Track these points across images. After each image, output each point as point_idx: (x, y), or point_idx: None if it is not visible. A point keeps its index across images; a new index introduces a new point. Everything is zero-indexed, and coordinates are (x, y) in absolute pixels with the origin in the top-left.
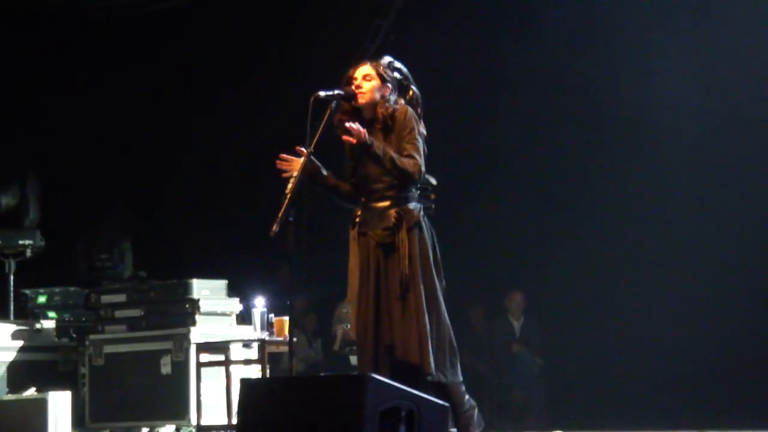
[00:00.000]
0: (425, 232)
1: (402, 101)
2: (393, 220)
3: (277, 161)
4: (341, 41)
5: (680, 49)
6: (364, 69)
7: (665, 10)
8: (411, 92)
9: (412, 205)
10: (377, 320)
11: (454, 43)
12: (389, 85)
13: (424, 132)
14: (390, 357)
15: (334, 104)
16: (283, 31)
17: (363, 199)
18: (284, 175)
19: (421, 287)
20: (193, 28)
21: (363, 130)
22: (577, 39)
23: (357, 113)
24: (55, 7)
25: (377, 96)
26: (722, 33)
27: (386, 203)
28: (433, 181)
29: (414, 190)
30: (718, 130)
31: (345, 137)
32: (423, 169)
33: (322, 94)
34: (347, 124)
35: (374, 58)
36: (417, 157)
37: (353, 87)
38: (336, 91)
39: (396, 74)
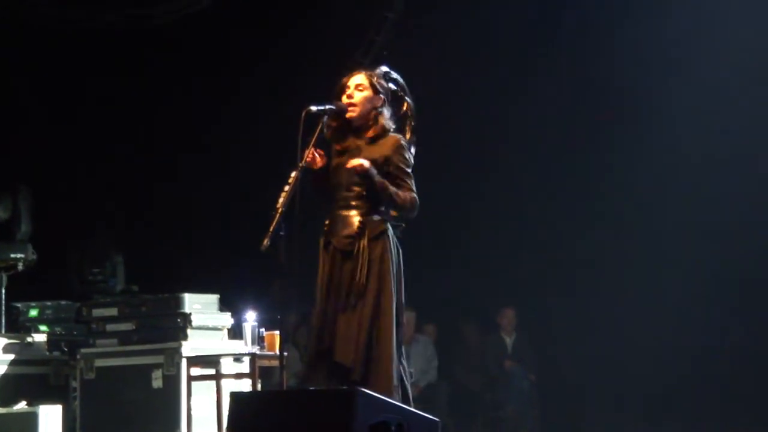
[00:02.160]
0: (390, 244)
1: (388, 116)
2: (355, 228)
3: (307, 156)
4: (335, 56)
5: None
6: (358, 78)
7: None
8: (406, 104)
9: (378, 217)
10: (325, 329)
11: (449, 58)
12: (382, 96)
13: (411, 155)
14: (336, 367)
15: (325, 119)
16: (276, 46)
17: (332, 208)
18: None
19: (373, 297)
20: (186, 42)
21: (367, 164)
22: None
23: (346, 122)
24: (44, 20)
25: (368, 106)
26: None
27: (352, 212)
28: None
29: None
30: (716, 147)
31: (350, 163)
32: (418, 202)
33: (313, 108)
34: (350, 165)
35: (370, 67)
36: (413, 190)
37: (345, 97)
38: (327, 106)
39: (391, 85)
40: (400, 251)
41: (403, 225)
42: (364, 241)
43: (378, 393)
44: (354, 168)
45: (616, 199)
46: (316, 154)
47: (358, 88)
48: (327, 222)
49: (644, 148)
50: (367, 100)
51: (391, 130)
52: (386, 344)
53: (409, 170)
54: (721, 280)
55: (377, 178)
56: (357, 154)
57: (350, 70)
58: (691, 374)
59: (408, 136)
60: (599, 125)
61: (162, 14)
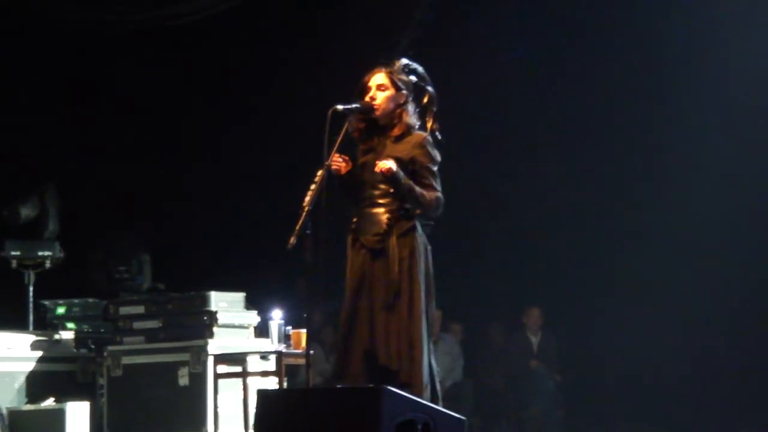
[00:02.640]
0: (418, 242)
1: (412, 112)
2: (384, 225)
3: (333, 163)
4: (360, 57)
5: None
6: (378, 78)
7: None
8: (427, 94)
9: (405, 214)
10: (357, 327)
11: (475, 57)
12: (404, 92)
13: (438, 157)
14: (369, 364)
15: (351, 118)
16: (301, 45)
17: (359, 206)
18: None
19: (412, 293)
20: (212, 41)
21: (394, 167)
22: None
23: (372, 121)
24: (72, 21)
25: (392, 105)
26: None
27: (380, 210)
28: None
29: None
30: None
31: (378, 166)
32: (442, 201)
33: (340, 107)
34: (378, 169)
35: (388, 63)
36: (438, 190)
37: (368, 98)
38: (354, 105)
39: (412, 77)
40: (429, 248)
41: (432, 223)
42: (393, 239)
43: (411, 393)
44: (381, 171)
45: (644, 199)
46: (341, 161)
47: (380, 88)
48: (354, 220)
49: (671, 150)
50: (390, 99)
51: (416, 127)
52: (419, 344)
53: (435, 168)
54: (750, 282)
55: (404, 180)
56: (382, 152)
57: (370, 69)
58: (726, 373)
59: (430, 124)
60: (629, 128)
61: (189, 13)
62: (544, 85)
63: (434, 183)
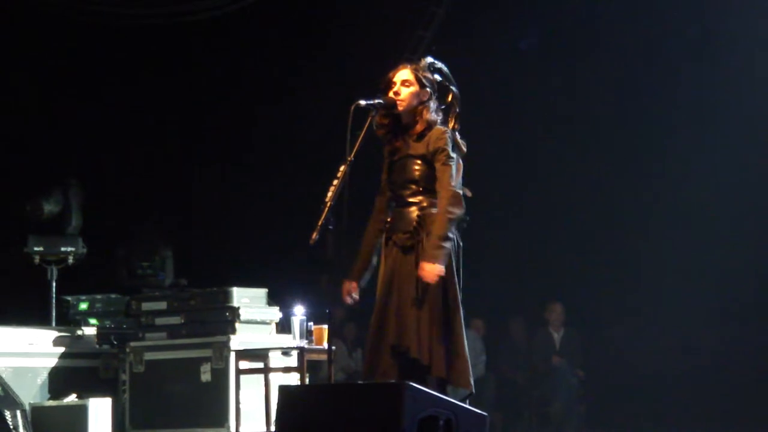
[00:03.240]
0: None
1: (433, 109)
2: (414, 223)
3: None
4: (383, 52)
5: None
6: (404, 74)
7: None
8: (451, 94)
9: (435, 209)
10: (387, 323)
11: (495, 54)
12: (428, 89)
13: (463, 148)
14: (399, 360)
15: (374, 112)
16: (323, 41)
17: (393, 205)
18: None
19: (440, 292)
20: (232, 37)
21: (436, 274)
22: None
23: (395, 118)
24: (94, 16)
25: (415, 102)
26: None
27: (410, 208)
28: (469, 194)
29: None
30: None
31: (423, 277)
32: (459, 191)
33: (362, 102)
34: (424, 280)
35: (414, 60)
36: (452, 181)
37: (392, 93)
38: (377, 100)
39: (436, 76)
40: (461, 245)
41: (468, 218)
42: (423, 236)
43: (459, 387)
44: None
45: (666, 195)
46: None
47: (404, 84)
48: (389, 219)
49: (691, 151)
50: (414, 95)
51: (437, 123)
52: (460, 339)
53: (449, 158)
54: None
55: (441, 257)
56: (406, 151)
57: (395, 65)
58: (748, 369)
59: (452, 124)
60: (648, 127)
61: (204, 10)
62: (558, 75)
63: (449, 170)
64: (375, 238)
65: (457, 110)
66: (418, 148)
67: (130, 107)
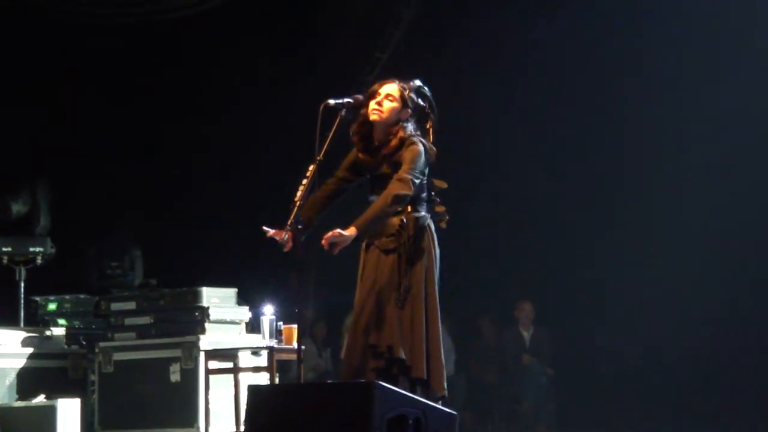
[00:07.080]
0: (430, 240)
1: (410, 130)
2: (395, 227)
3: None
4: (352, 51)
5: None
6: (390, 88)
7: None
8: (429, 122)
9: (417, 214)
10: (367, 324)
11: (465, 54)
12: (409, 110)
13: (432, 156)
14: (378, 360)
15: (343, 112)
16: (293, 41)
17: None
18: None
19: (422, 294)
20: (204, 37)
21: (337, 236)
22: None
23: (370, 131)
24: (66, 15)
25: (393, 118)
26: None
27: (394, 218)
28: (444, 186)
29: (421, 197)
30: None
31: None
32: (414, 182)
33: (332, 102)
34: (325, 244)
35: (406, 78)
36: (407, 174)
37: (374, 103)
38: (345, 99)
39: (420, 101)
40: (437, 245)
41: (447, 217)
42: (404, 238)
43: (434, 390)
44: (328, 245)
45: (636, 193)
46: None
47: (387, 97)
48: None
49: (664, 144)
50: (394, 111)
51: (410, 138)
52: (436, 342)
53: (414, 165)
54: (748, 275)
55: (359, 226)
56: (383, 170)
57: (369, 70)
58: (717, 369)
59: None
60: (618, 122)
61: (175, 9)
62: (540, 71)
63: (406, 171)
64: (320, 204)
65: (432, 138)
66: (391, 163)
67: (99, 106)
